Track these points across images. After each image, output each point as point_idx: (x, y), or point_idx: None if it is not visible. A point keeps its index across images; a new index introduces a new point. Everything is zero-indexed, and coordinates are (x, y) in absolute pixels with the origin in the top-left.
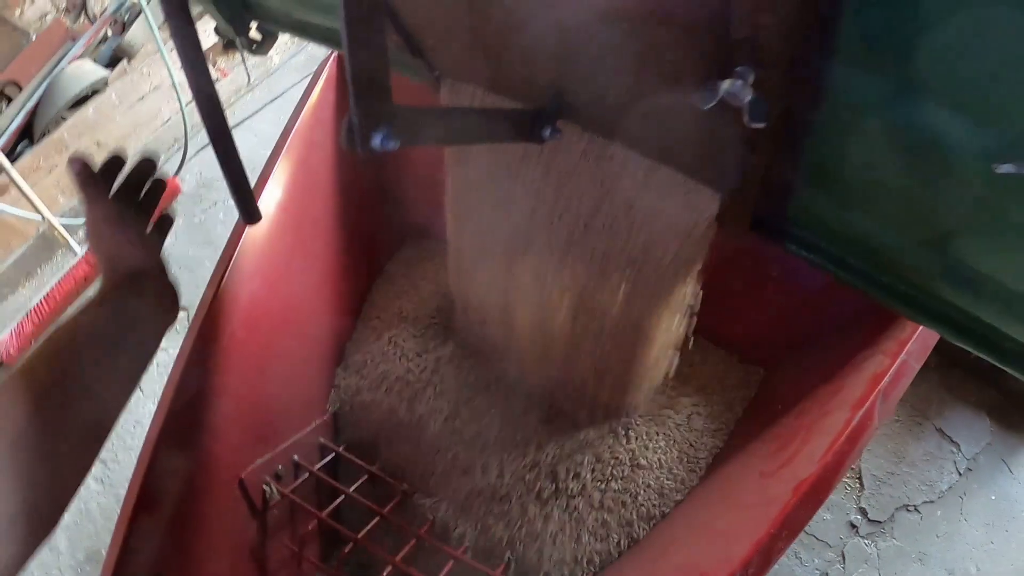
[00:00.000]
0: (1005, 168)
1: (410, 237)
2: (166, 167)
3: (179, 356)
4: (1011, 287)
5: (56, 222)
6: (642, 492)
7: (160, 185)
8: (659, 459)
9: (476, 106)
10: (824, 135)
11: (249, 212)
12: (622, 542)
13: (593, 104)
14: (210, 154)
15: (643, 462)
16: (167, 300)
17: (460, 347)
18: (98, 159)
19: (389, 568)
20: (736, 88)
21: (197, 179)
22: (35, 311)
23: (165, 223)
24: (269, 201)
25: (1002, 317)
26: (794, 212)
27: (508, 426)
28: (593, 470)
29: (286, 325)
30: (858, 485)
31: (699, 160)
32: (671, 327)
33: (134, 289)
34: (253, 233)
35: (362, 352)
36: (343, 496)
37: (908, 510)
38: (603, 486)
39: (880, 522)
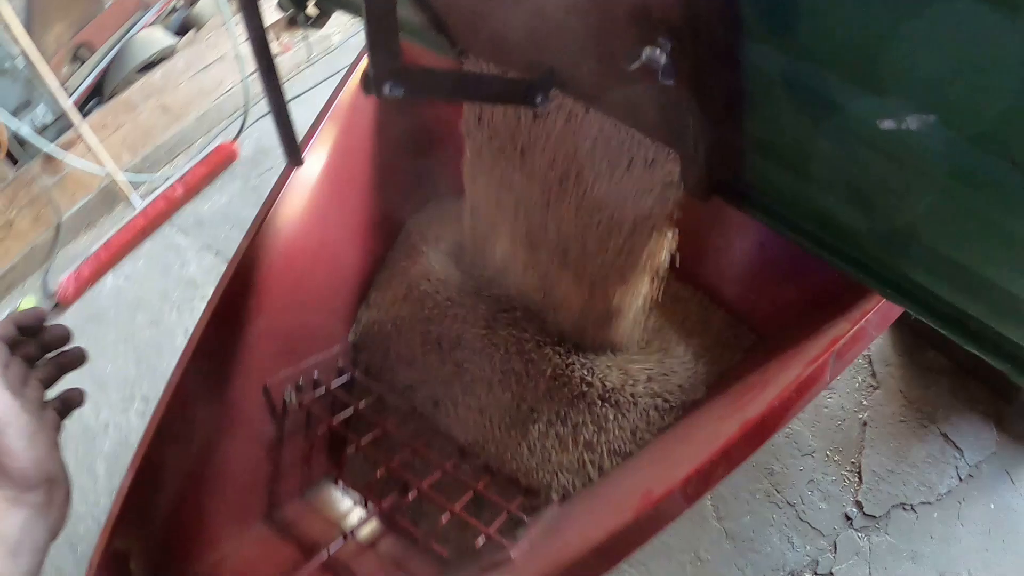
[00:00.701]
0: (886, 124)
1: (434, 198)
2: (226, 132)
3: (221, 280)
4: (942, 254)
5: (119, 177)
6: (615, 430)
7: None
8: (636, 399)
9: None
10: (753, 104)
11: (294, 155)
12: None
13: (573, 76)
14: (268, 124)
15: (621, 400)
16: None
17: (472, 288)
18: (162, 123)
19: (382, 469)
20: (655, 55)
21: (255, 146)
22: (93, 257)
23: (70, 402)
24: (314, 156)
25: (949, 291)
26: (749, 178)
27: (514, 356)
28: (579, 401)
29: (318, 262)
30: (856, 479)
31: (656, 124)
32: (644, 277)
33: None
34: (297, 179)
35: (382, 291)
36: (352, 409)
37: (905, 509)
38: (585, 418)
39: (875, 517)
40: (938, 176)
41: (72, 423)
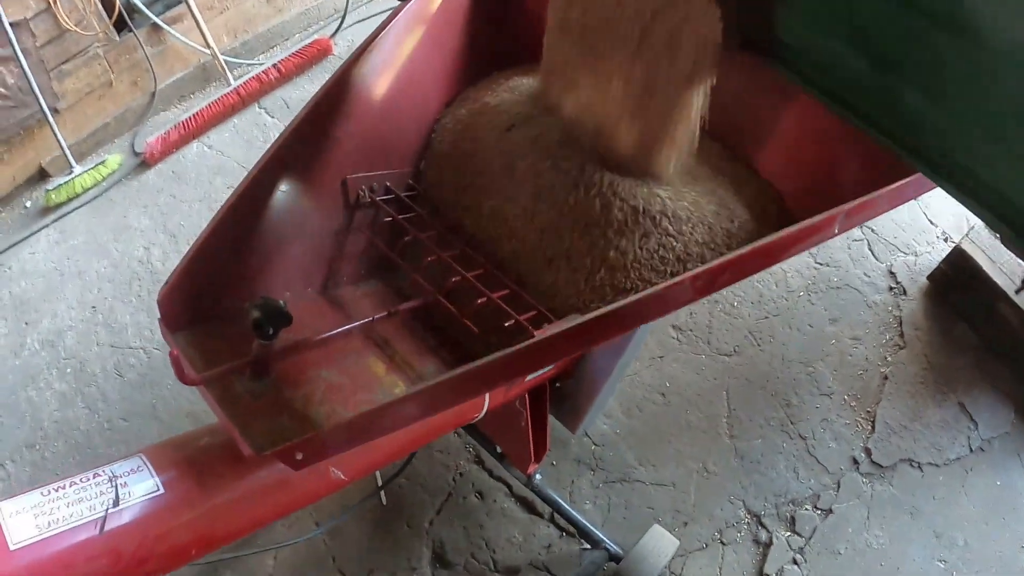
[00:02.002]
0: None
1: (515, 61)
2: (324, 31)
3: (326, 83)
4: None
5: (220, 57)
6: (644, 254)
7: None
8: (684, 214)
9: None
10: None
11: None
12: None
13: None
14: (364, 28)
15: (657, 225)
16: None
17: (536, 112)
18: (265, 12)
19: (433, 257)
20: None
21: (349, 45)
22: (183, 124)
23: None
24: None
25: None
26: (781, 34)
27: (564, 174)
28: (629, 219)
29: (408, 91)
30: (869, 427)
31: None
32: (689, 114)
33: None
34: (407, 13)
35: (444, 124)
36: (414, 213)
37: (912, 465)
38: (634, 236)
39: (882, 466)
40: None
41: (140, 266)
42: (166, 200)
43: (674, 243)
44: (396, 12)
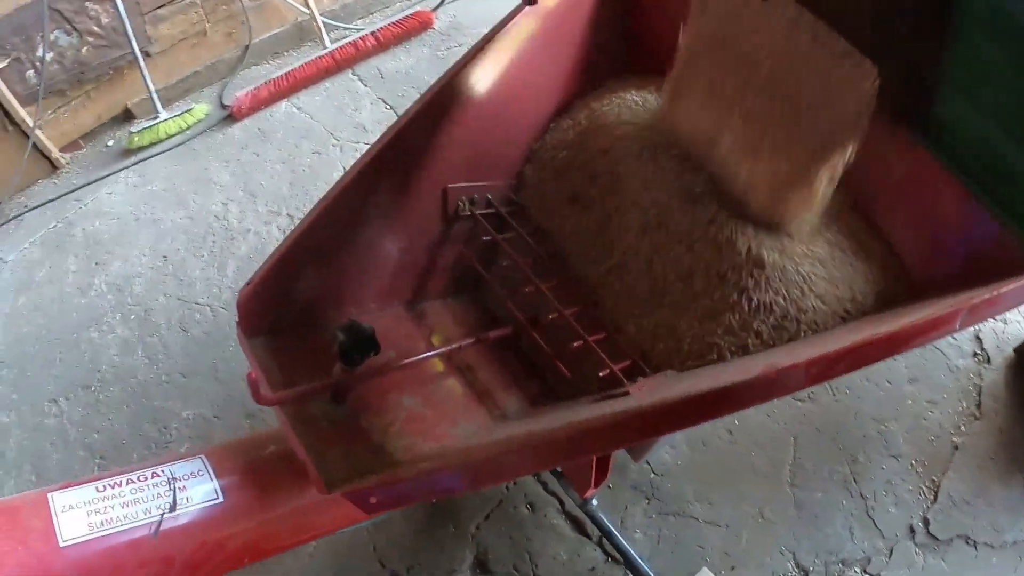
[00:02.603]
0: None
1: (633, 69)
2: (427, 3)
3: (433, 86)
4: None
5: (318, 17)
6: (770, 296)
7: None
8: (803, 276)
9: None
10: (959, 30)
11: None
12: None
13: None
14: (467, 5)
15: (768, 281)
16: None
17: (649, 132)
18: None
19: (531, 287)
20: None
21: (451, 21)
22: (274, 82)
23: None
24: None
25: None
26: (939, 111)
27: (673, 204)
28: (744, 271)
29: (518, 99)
30: (932, 496)
31: (865, 30)
32: (823, 172)
33: None
34: (523, 17)
35: (556, 136)
36: (515, 232)
37: (968, 543)
38: (746, 290)
39: (938, 539)
40: None
41: (216, 221)
42: (249, 157)
43: (788, 306)
44: (512, 15)
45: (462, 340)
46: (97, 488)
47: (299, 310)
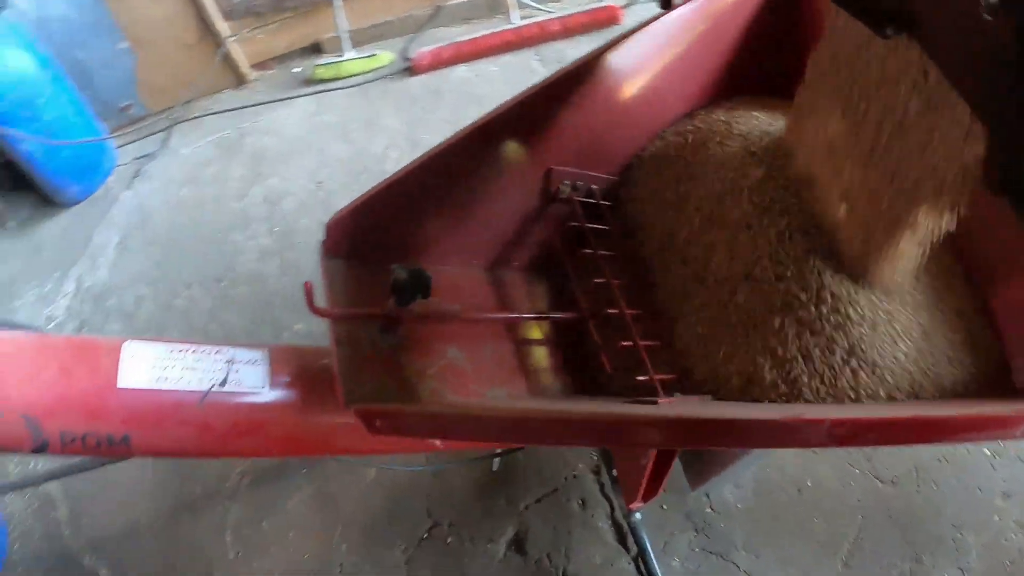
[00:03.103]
0: None
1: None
2: None
3: (560, 69)
4: None
5: None
6: (821, 362)
7: None
8: (864, 342)
9: None
10: None
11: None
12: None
13: (928, 17)
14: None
15: (848, 336)
16: None
17: (755, 158)
18: None
19: (601, 279)
20: None
21: (637, 21)
22: (457, 45)
23: None
24: (684, 9)
25: None
26: None
27: (767, 233)
28: (822, 317)
29: (640, 98)
30: None
31: (978, 90)
32: (918, 232)
33: None
34: (661, 22)
35: (667, 140)
36: (608, 228)
37: None
38: (831, 337)
39: None
40: None
41: (374, 163)
42: (419, 111)
43: (862, 368)
44: (649, 21)
45: (526, 313)
46: (167, 348)
47: (381, 247)
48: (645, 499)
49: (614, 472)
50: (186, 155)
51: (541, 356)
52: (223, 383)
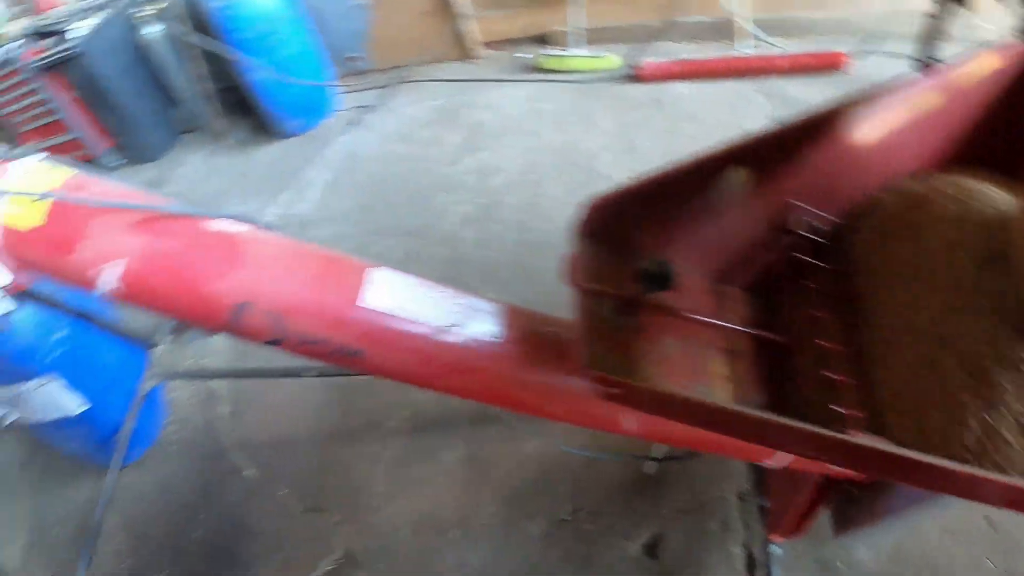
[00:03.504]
0: None
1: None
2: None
3: (820, 108)
4: None
5: (743, 21)
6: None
7: None
8: None
9: None
10: None
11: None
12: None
13: None
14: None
15: None
16: None
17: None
18: (812, 2)
19: (806, 311)
20: None
21: (866, 74)
22: (683, 62)
23: None
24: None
25: None
26: None
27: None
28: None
29: (887, 147)
30: None
31: None
32: None
33: None
34: (931, 81)
35: (893, 196)
36: (825, 264)
37: None
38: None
39: None
40: None
41: (583, 159)
42: (636, 117)
43: None
44: (929, 72)
45: (741, 326)
46: (414, 283)
47: (627, 235)
48: (788, 534)
49: (761, 502)
50: (406, 113)
51: (744, 368)
52: (457, 325)
